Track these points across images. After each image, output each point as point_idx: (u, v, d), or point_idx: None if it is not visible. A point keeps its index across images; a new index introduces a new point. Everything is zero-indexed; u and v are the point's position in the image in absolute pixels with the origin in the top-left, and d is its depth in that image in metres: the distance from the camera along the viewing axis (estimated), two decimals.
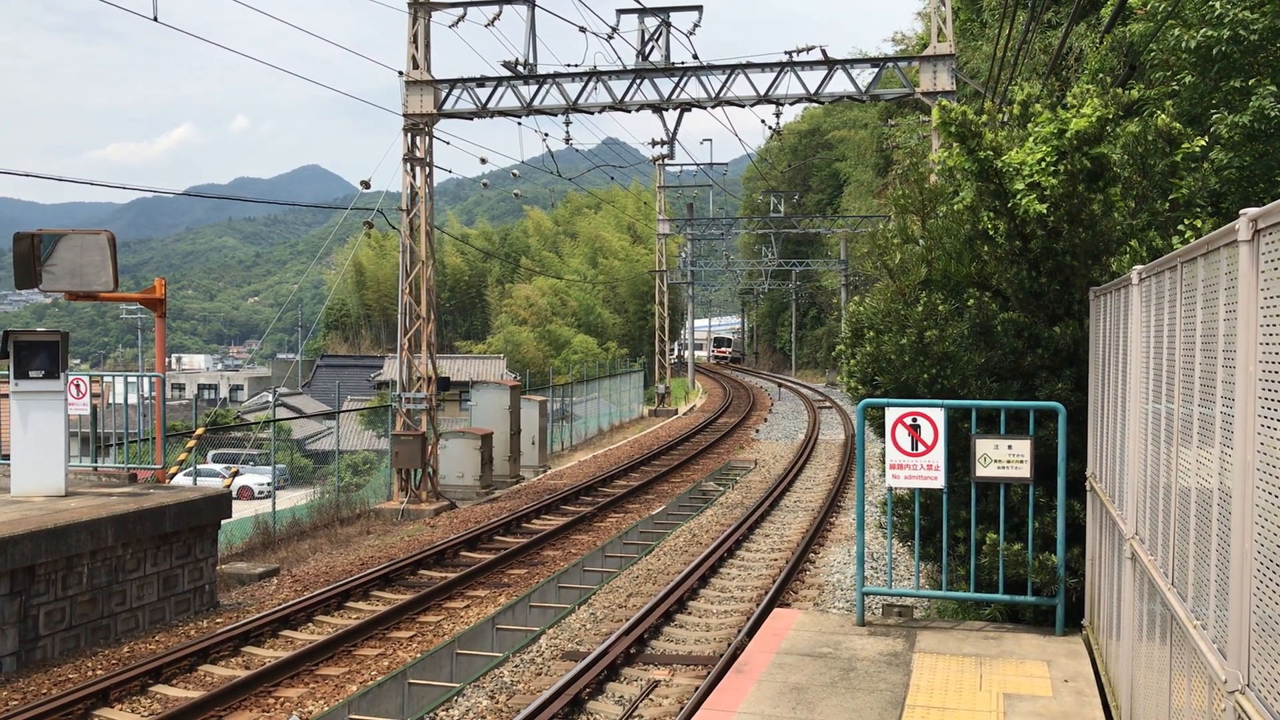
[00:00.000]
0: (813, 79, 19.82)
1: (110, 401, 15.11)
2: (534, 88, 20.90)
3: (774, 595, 13.11)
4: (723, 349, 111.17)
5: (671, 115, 21.60)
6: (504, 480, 25.10)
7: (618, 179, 57.37)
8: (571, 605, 13.12)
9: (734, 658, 8.31)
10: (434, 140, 22.09)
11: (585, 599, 13.40)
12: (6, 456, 13.04)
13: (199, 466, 20.06)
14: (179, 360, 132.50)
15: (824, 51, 19.88)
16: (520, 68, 20.78)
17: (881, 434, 8.70)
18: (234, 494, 15.48)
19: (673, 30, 20.38)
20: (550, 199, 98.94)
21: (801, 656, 7.98)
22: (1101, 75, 9.45)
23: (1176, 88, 12.05)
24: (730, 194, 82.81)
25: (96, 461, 14.18)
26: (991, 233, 9.09)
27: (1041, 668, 7.59)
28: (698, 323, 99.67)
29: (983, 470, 8.29)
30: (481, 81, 21.20)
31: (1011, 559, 8.28)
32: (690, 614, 12.82)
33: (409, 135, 21.74)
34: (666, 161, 50.47)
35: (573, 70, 20.65)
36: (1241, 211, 3.45)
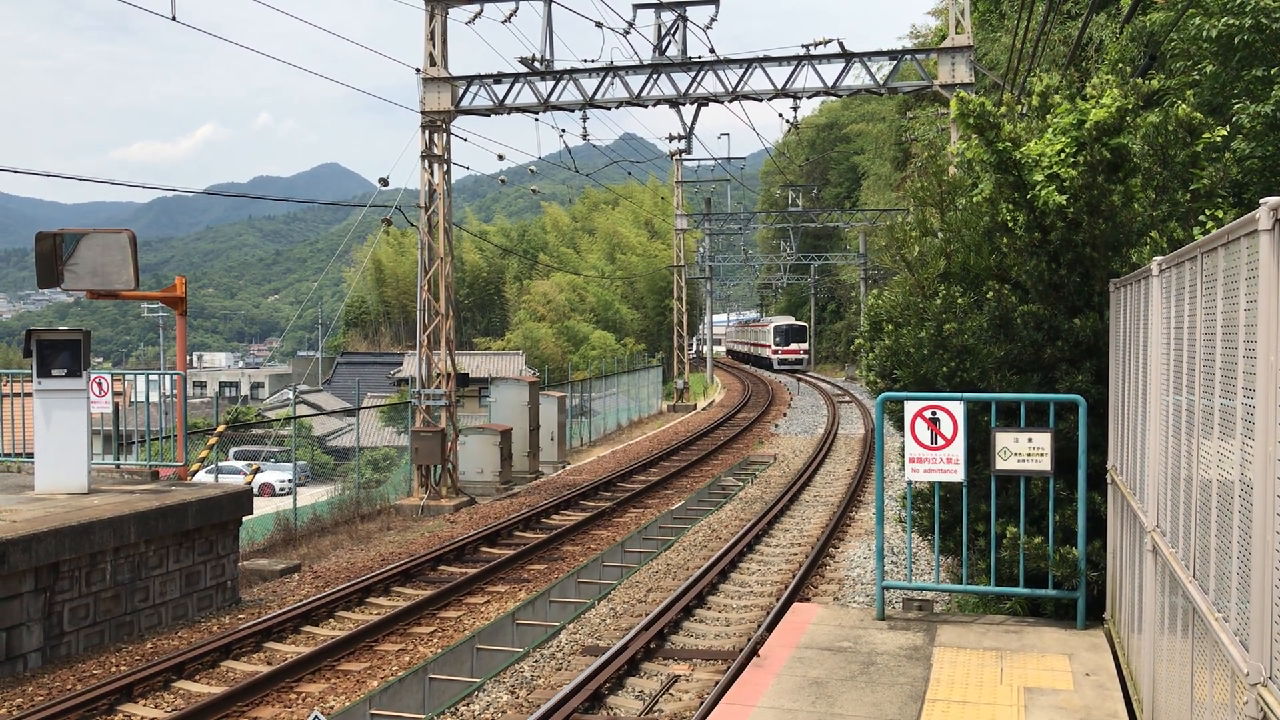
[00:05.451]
0: (830, 72, 19.77)
1: (132, 399, 15.22)
2: (551, 84, 20.91)
3: (793, 590, 13.09)
4: (791, 347, 72.95)
5: (689, 110, 21.59)
6: (523, 476, 25.15)
7: (635, 174, 57.39)
8: (591, 600, 13.13)
9: (754, 652, 8.31)
10: (452, 137, 22.14)
11: (605, 594, 13.41)
12: (30, 454, 13.14)
13: (220, 464, 20.18)
14: (200, 358, 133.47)
15: (841, 44, 19.82)
16: (537, 64, 20.79)
17: (901, 428, 8.68)
18: (255, 491, 15.56)
19: (689, 24, 20.35)
20: (568, 195, 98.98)
21: (821, 651, 7.97)
22: (1121, 65, 9.37)
23: (1197, 77, 11.97)
24: (748, 188, 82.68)
25: (119, 459, 14.28)
26: (1010, 225, 9.05)
27: (1063, 661, 7.56)
28: (717, 317, 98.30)
29: (1003, 463, 8.26)
30: (499, 78, 21.23)
31: (1032, 552, 8.25)
32: (710, 609, 12.82)
33: (427, 132, 21.79)
34: (684, 156, 50.45)
35: (589, 66, 20.64)
36: (1262, 201, 3.42)
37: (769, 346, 74.72)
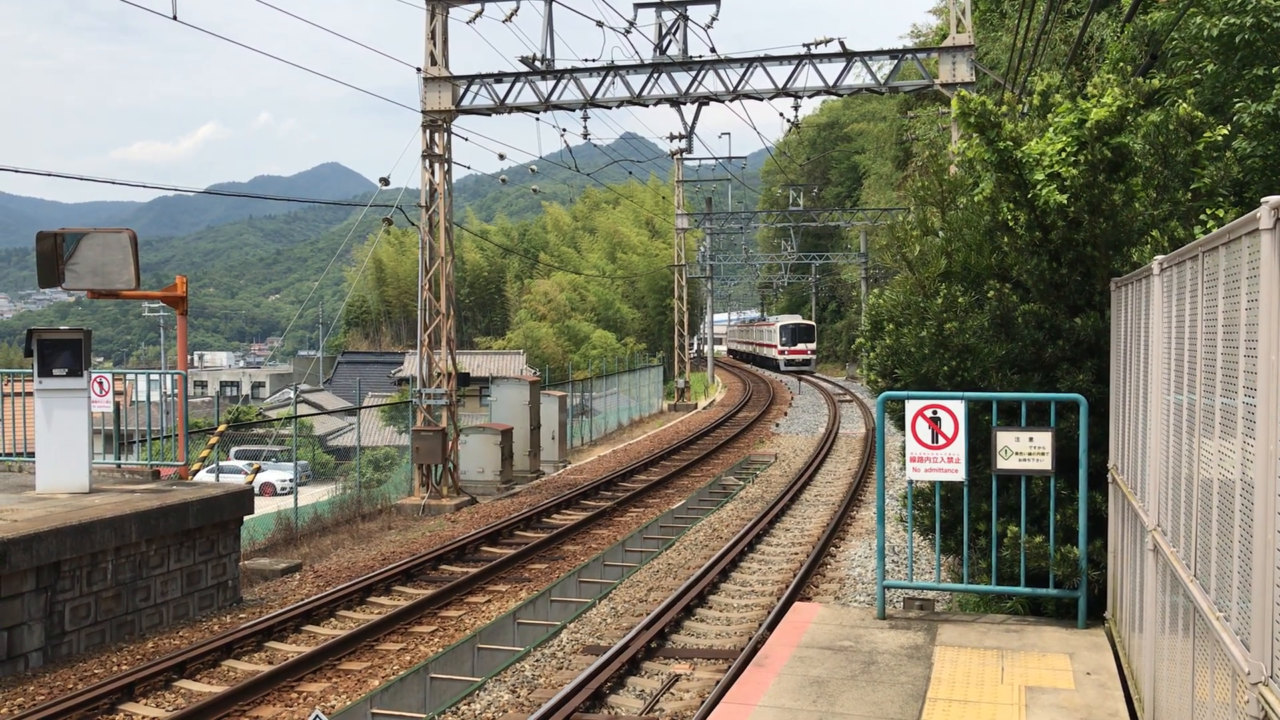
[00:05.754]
0: (831, 71, 19.77)
1: (133, 399, 15.22)
2: (552, 83, 20.91)
3: (794, 589, 13.09)
4: (799, 346, 70.05)
5: (689, 109, 21.59)
6: (524, 475, 25.15)
7: (636, 174, 57.34)
8: (592, 600, 13.13)
9: (754, 651, 8.32)
10: (453, 137, 22.14)
11: (606, 593, 13.41)
12: (31, 454, 13.15)
13: (221, 463, 20.18)
14: (201, 358, 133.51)
15: (842, 44, 19.82)
16: (538, 63, 20.79)
17: (902, 427, 8.68)
18: (256, 490, 15.57)
19: (690, 24, 20.35)
20: (569, 194, 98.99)
21: (822, 650, 7.96)
22: (1122, 64, 9.36)
23: (1198, 76, 11.95)
24: (749, 188, 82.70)
25: (120, 459, 14.29)
26: (1011, 224, 9.04)
27: (1064, 660, 7.56)
28: (717, 316, 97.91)
29: (1004, 463, 8.26)
30: (499, 77, 21.23)
31: (1033, 552, 8.25)
32: (711, 608, 12.82)
33: (428, 132, 21.79)
34: (685, 156, 50.45)
35: (590, 65, 20.64)
36: (1263, 200, 3.42)
37: (775, 346, 71.60)
